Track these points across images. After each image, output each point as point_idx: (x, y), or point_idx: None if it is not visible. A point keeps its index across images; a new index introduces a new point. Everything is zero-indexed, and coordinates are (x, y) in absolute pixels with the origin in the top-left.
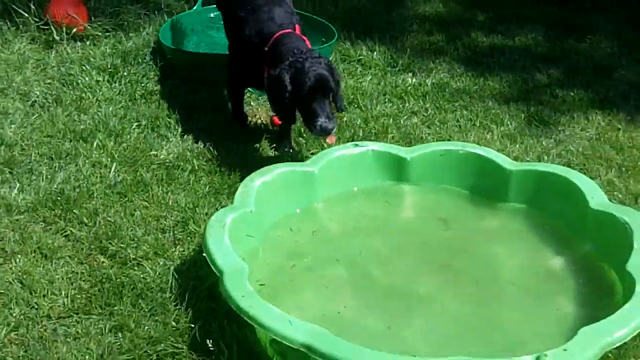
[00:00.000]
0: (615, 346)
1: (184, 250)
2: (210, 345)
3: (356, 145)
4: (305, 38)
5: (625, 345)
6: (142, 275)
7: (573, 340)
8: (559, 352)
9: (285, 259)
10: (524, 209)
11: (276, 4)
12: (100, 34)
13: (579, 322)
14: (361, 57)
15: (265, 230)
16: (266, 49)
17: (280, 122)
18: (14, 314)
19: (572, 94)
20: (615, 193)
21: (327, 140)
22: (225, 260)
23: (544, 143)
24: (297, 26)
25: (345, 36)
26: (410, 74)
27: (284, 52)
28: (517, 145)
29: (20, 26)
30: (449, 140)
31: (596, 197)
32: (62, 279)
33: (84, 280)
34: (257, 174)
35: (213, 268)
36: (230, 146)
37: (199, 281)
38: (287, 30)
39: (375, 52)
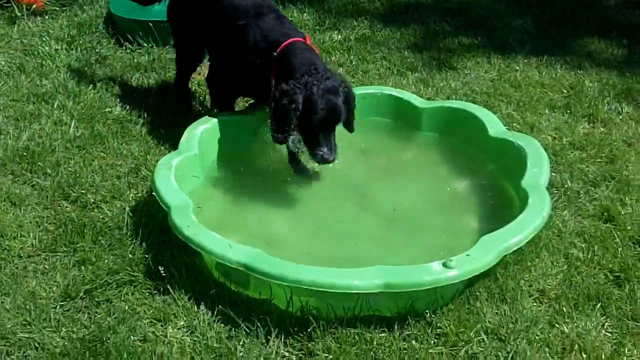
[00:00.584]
0: (512, 251)
1: (137, 193)
2: (162, 271)
3: None
4: (316, 50)
5: (522, 251)
6: (101, 216)
7: (474, 247)
8: (462, 257)
9: (228, 193)
10: (435, 139)
11: (279, 12)
12: (57, 8)
13: (484, 234)
14: (292, 18)
15: (208, 171)
16: (275, 53)
17: None
18: None
19: (476, 41)
20: (514, 124)
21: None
22: (172, 197)
23: (452, 85)
24: (307, 37)
25: (278, 1)
26: (336, 32)
27: (298, 65)
28: (430, 89)
29: None
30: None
31: (495, 126)
32: (30, 223)
33: (49, 223)
34: (199, 122)
35: (162, 204)
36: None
37: (151, 218)
38: (299, 39)
39: (305, 14)
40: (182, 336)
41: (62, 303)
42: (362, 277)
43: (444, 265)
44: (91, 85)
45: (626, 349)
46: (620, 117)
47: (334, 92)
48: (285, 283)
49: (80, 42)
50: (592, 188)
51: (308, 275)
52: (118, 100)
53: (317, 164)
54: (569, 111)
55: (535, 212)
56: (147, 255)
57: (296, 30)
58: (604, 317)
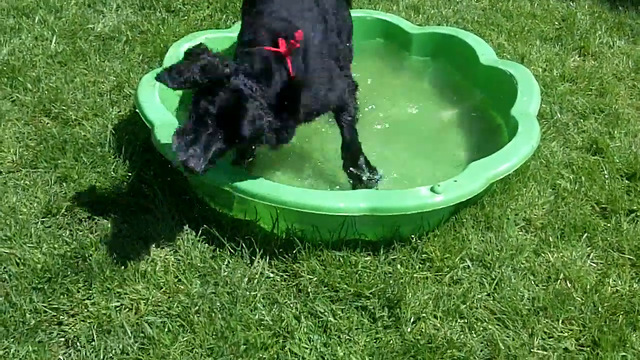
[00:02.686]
0: (499, 178)
1: (120, 111)
2: (145, 190)
3: None
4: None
5: (509, 179)
6: (82, 133)
7: (462, 173)
8: (450, 183)
9: None
10: (425, 65)
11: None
12: None
13: (472, 160)
14: None
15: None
16: None
17: None
18: None
19: None
20: (505, 54)
21: None
22: (156, 114)
23: (443, 12)
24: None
25: None
26: None
27: None
28: (420, 15)
29: None
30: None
31: (486, 54)
32: (10, 138)
33: (30, 139)
34: (185, 39)
35: (145, 122)
36: (162, 18)
37: (134, 136)
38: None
39: None
40: (166, 255)
41: (43, 219)
42: (348, 199)
43: (431, 190)
44: (73, 1)
45: (611, 279)
46: (612, 50)
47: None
48: (270, 204)
49: None
50: (581, 120)
51: (293, 197)
52: (100, 16)
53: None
54: (560, 43)
55: (524, 141)
56: (130, 174)
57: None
58: (590, 247)
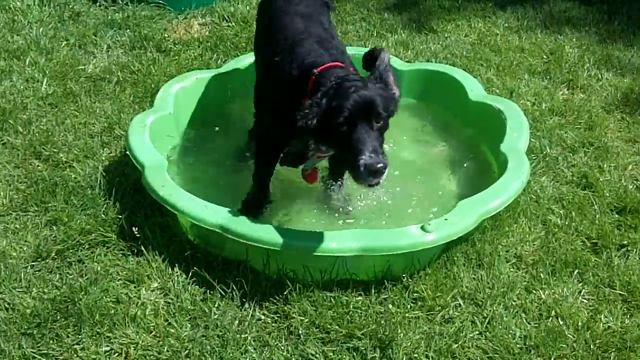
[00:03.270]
0: (490, 215)
1: (110, 152)
2: (136, 232)
3: None
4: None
5: (500, 216)
6: (73, 176)
7: (453, 210)
8: (440, 221)
9: (203, 153)
10: (414, 102)
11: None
12: None
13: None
14: None
15: (183, 130)
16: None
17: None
18: None
19: (456, 4)
20: (494, 89)
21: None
22: (146, 156)
23: (432, 48)
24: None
25: None
26: None
27: (324, 83)
28: (409, 51)
29: None
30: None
31: (475, 90)
32: (1, 182)
33: (20, 182)
34: (176, 79)
35: (135, 164)
36: (153, 58)
37: (125, 178)
38: (337, 64)
39: None
40: (156, 298)
41: (33, 263)
42: (340, 240)
43: (422, 229)
44: (64, 42)
45: (602, 315)
46: (600, 83)
47: (359, 85)
48: (262, 245)
49: None
50: (571, 154)
51: (285, 238)
52: (91, 57)
53: (365, 184)
54: (548, 77)
55: (514, 177)
56: (120, 216)
57: (341, 53)
58: (581, 283)
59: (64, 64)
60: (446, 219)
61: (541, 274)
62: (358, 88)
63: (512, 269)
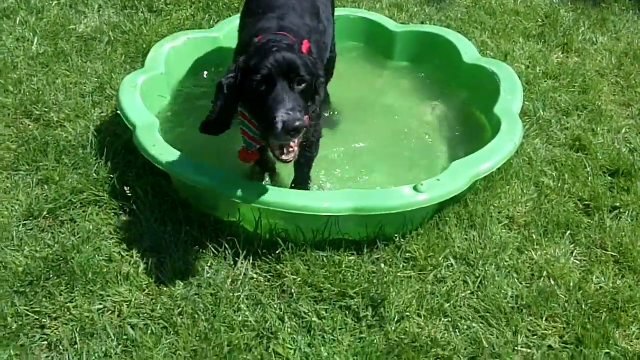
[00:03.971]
0: (482, 176)
1: (102, 112)
2: (127, 191)
3: None
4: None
5: (492, 177)
6: (64, 135)
7: (445, 171)
8: (433, 181)
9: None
10: (408, 64)
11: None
12: None
13: (455, 158)
14: None
15: (174, 90)
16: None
17: (249, 157)
18: None
19: None
20: (488, 52)
21: (282, 157)
22: (137, 115)
23: (426, 10)
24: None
25: None
26: None
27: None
28: (403, 13)
29: None
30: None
31: (469, 52)
32: None
33: (11, 141)
34: (166, 39)
35: (127, 123)
36: (144, 18)
37: (116, 137)
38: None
39: None
40: (149, 256)
41: (25, 222)
42: (332, 199)
43: (414, 189)
44: (55, 2)
45: (594, 276)
46: (594, 47)
47: (282, 47)
48: (254, 205)
49: None
50: (564, 117)
51: (278, 197)
52: (82, 17)
53: (279, 142)
54: (543, 40)
55: (506, 139)
56: (112, 175)
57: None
58: (573, 244)
59: (54, 23)
60: (438, 179)
61: (533, 235)
62: (280, 49)
63: (504, 230)
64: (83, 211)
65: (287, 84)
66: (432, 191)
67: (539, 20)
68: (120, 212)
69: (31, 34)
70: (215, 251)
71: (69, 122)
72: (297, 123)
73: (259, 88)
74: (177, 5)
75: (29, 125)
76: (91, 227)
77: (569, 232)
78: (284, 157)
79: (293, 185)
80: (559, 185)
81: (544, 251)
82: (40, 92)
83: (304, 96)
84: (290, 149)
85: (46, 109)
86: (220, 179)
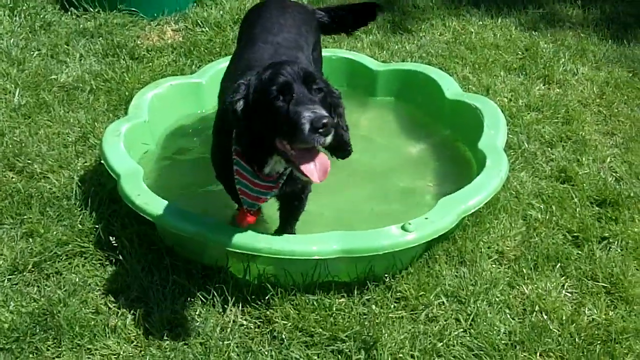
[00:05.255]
0: (470, 212)
1: (85, 162)
2: (113, 241)
3: None
4: None
5: (480, 212)
6: (48, 187)
7: (433, 209)
8: (420, 220)
9: (179, 162)
10: (391, 102)
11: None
12: None
13: (442, 196)
14: None
15: (159, 137)
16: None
17: (247, 219)
18: None
19: (430, 3)
20: (470, 86)
21: (314, 177)
22: (121, 164)
23: (407, 48)
24: None
25: None
26: None
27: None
28: (385, 52)
29: None
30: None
31: (451, 88)
32: None
33: None
34: (149, 87)
35: (111, 172)
36: (126, 65)
37: (101, 187)
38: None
39: None
40: (136, 307)
41: (10, 277)
42: (321, 242)
43: (402, 228)
44: (36, 52)
45: (586, 308)
46: (576, 77)
47: (293, 61)
48: (242, 251)
49: (24, 7)
50: (549, 149)
51: (266, 243)
52: (64, 67)
53: (311, 144)
54: (524, 73)
55: (493, 174)
56: (97, 226)
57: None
58: (564, 277)
59: (36, 74)
60: (426, 218)
61: (523, 269)
62: (291, 62)
63: (494, 265)
64: (69, 263)
65: (306, 90)
66: (420, 230)
67: (520, 53)
68: (107, 262)
69: (12, 85)
70: (203, 299)
71: (53, 173)
72: (325, 120)
73: (277, 99)
74: (158, 52)
75: (12, 177)
76: (77, 280)
77: (559, 264)
78: (314, 177)
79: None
80: (547, 217)
81: (535, 285)
82: (23, 144)
83: (325, 108)
84: (320, 166)
85: (29, 161)
86: (207, 227)
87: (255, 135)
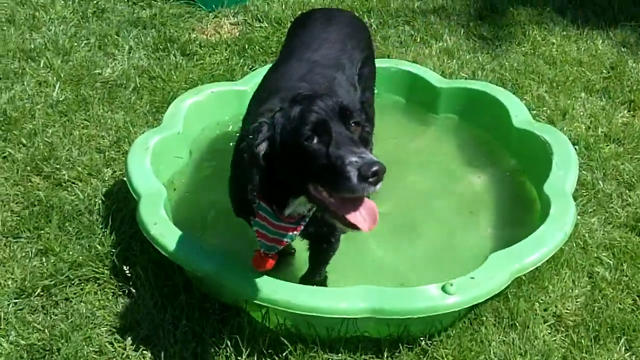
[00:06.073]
0: (524, 272)
1: (115, 172)
2: (127, 271)
3: None
4: None
5: (539, 269)
6: (71, 198)
7: (481, 266)
8: (465, 280)
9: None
10: (452, 126)
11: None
12: None
13: (500, 241)
14: None
15: (194, 150)
16: None
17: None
18: None
19: (511, 8)
20: (545, 109)
21: (364, 227)
22: (143, 184)
23: (479, 59)
24: None
25: None
26: None
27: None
28: (454, 61)
29: None
30: (387, 57)
31: (520, 115)
32: None
33: (16, 202)
34: (188, 94)
35: (132, 192)
36: (175, 62)
37: (126, 203)
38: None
39: None
40: (143, 350)
41: (17, 300)
42: (347, 299)
43: (443, 289)
44: (84, 42)
45: None
46: None
47: (322, 93)
48: (259, 302)
49: None
50: (627, 191)
51: (285, 295)
52: (110, 60)
53: (361, 193)
54: (607, 95)
55: (556, 226)
56: (114, 250)
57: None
58: (630, 353)
59: (80, 67)
60: (472, 278)
61: (582, 340)
62: (322, 95)
63: (549, 332)
64: (81, 289)
65: (344, 129)
66: (463, 293)
67: (604, 71)
68: (120, 292)
69: (54, 78)
70: (216, 347)
71: (80, 182)
72: (377, 167)
73: (311, 142)
74: (211, 48)
75: (38, 183)
76: (85, 311)
77: (624, 337)
78: (364, 226)
79: (302, 282)
80: (616, 277)
81: None
82: (54, 147)
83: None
84: (367, 212)
85: (58, 166)
86: (222, 268)
87: (280, 180)
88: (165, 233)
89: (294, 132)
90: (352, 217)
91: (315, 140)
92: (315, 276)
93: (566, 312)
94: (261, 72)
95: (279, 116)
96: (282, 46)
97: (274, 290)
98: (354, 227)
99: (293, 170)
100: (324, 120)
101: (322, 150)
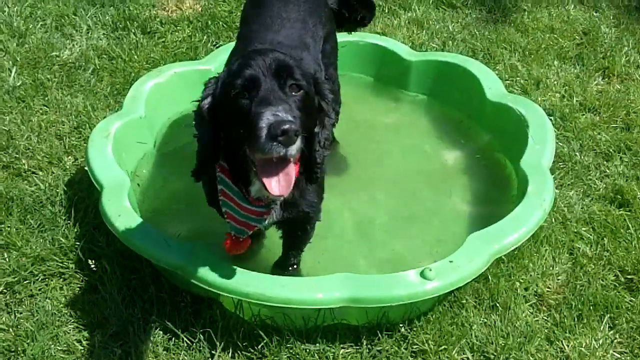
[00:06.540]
0: (504, 253)
1: (76, 160)
2: (92, 266)
3: None
4: None
5: (518, 247)
6: (32, 189)
7: (460, 249)
8: (443, 264)
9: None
10: (424, 99)
11: None
12: None
13: (477, 220)
14: None
15: (158, 135)
16: None
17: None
18: None
19: None
20: (517, 78)
21: (273, 191)
22: (106, 174)
23: (450, 27)
24: None
25: None
26: None
27: None
28: (424, 31)
29: None
30: None
31: (494, 87)
32: None
33: None
34: (149, 75)
35: (94, 182)
36: (136, 41)
37: (89, 192)
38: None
39: None
40: (112, 347)
41: None
42: (324, 289)
43: (421, 275)
44: (40, 23)
45: None
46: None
47: (272, 50)
48: (229, 295)
49: None
50: (605, 162)
51: (257, 287)
52: (68, 41)
53: (267, 155)
54: (581, 63)
55: (534, 204)
56: (79, 243)
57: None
58: (613, 331)
59: (37, 49)
60: (451, 261)
61: (565, 319)
62: (265, 50)
63: (531, 312)
64: (46, 285)
65: (276, 85)
66: (443, 277)
67: (577, 38)
68: (86, 287)
69: (10, 62)
70: (189, 341)
71: (41, 170)
72: (287, 126)
73: (242, 97)
74: (173, 25)
75: None
76: (51, 308)
77: (608, 315)
78: (274, 190)
79: (276, 269)
80: (597, 252)
81: (578, 341)
82: (12, 135)
83: (302, 109)
84: (283, 178)
85: (17, 155)
86: (190, 259)
87: (226, 142)
88: (130, 224)
89: (227, 85)
90: (267, 180)
91: (245, 96)
92: (287, 266)
93: (548, 291)
94: (226, 48)
95: (224, 70)
96: (239, 29)
97: (245, 282)
98: (266, 189)
99: (230, 128)
100: (255, 76)
101: (247, 106)
